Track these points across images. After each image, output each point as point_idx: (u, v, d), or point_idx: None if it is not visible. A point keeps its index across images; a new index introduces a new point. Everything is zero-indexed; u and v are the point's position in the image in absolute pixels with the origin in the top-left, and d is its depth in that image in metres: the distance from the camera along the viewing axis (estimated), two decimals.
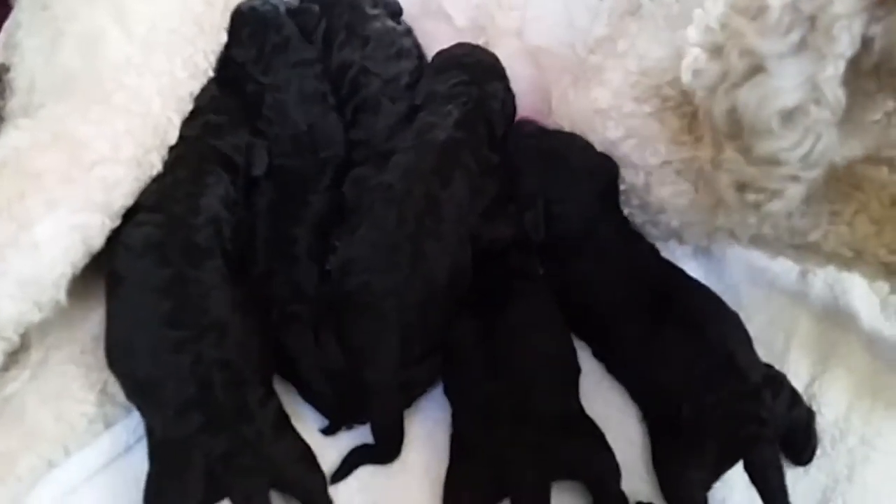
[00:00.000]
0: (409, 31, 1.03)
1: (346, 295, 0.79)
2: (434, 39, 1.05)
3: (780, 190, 0.70)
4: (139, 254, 0.78)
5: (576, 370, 0.78)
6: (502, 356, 0.76)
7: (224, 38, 0.97)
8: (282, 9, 1.01)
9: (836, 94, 0.65)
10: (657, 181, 0.86)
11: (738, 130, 0.69)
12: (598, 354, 0.82)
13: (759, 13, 0.66)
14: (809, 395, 0.82)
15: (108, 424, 0.79)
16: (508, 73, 0.99)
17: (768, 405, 0.73)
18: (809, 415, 0.77)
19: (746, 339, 0.77)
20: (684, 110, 0.84)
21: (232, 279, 0.79)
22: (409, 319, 0.76)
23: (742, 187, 0.72)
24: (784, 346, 0.86)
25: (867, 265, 0.83)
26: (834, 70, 0.64)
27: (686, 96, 0.82)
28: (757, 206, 0.72)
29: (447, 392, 0.79)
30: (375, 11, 1.02)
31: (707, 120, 0.74)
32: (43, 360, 0.78)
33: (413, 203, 0.81)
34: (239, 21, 0.98)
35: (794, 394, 0.76)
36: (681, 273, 0.83)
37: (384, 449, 0.76)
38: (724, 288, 0.90)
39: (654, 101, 0.85)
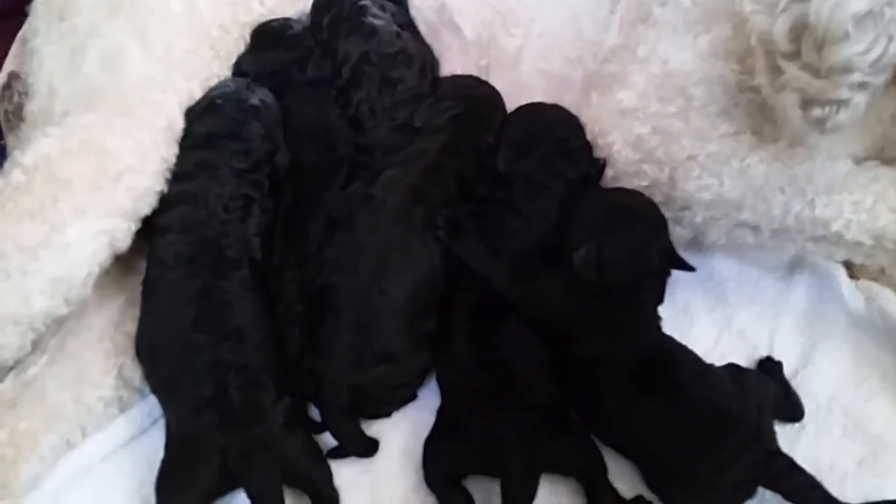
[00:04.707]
0: (413, 41, 1.09)
1: (316, 293, 0.87)
2: (447, 49, 1.12)
3: (847, 100, 0.74)
4: (171, 267, 0.86)
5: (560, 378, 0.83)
6: (497, 356, 0.83)
7: None
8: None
9: None
10: (682, 176, 0.90)
11: (798, 49, 0.74)
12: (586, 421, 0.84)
13: None
14: (793, 386, 0.88)
15: (124, 408, 0.87)
16: (509, 96, 1.05)
17: (769, 435, 0.78)
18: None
19: (730, 385, 0.81)
20: (709, 109, 0.89)
21: (256, 281, 0.87)
22: (365, 324, 0.83)
23: (807, 104, 0.76)
24: (769, 341, 0.92)
25: (886, 253, 0.87)
26: None
27: (711, 95, 0.88)
28: (821, 121, 0.76)
29: (440, 380, 0.86)
30: (382, 14, 1.09)
31: (761, 45, 0.78)
32: (60, 346, 0.87)
33: (386, 213, 0.88)
34: (267, 35, 1.07)
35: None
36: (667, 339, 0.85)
37: (340, 440, 0.83)
38: (712, 286, 0.98)
39: (679, 102, 0.91)
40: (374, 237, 0.86)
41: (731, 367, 0.84)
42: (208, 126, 0.95)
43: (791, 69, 0.75)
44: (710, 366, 0.82)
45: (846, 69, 0.72)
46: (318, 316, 0.85)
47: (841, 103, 0.74)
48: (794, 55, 0.75)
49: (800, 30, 0.73)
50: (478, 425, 0.79)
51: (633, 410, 0.79)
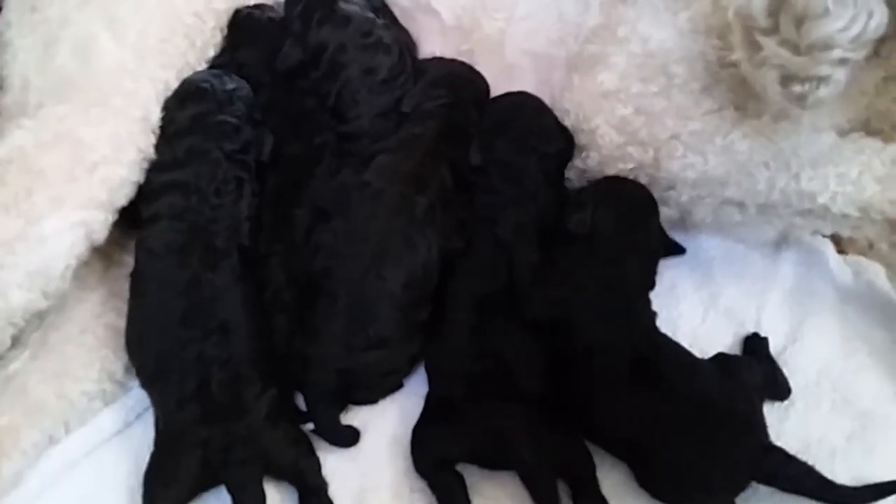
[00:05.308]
0: (388, 27, 1.08)
1: (310, 277, 0.86)
2: (424, 33, 1.11)
3: (827, 76, 0.74)
4: (161, 256, 0.85)
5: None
6: (494, 347, 0.83)
7: (212, 54, 1.04)
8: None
9: None
10: (666, 155, 0.91)
11: (776, 24, 0.74)
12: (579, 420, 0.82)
13: None
14: (781, 362, 0.88)
15: (107, 402, 0.87)
16: (497, 79, 1.06)
17: (761, 428, 0.77)
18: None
19: (719, 379, 0.80)
20: (691, 87, 0.89)
21: (245, 270, 0.87)
22: (360, 309, 0.83)
23: (787, 81, 0.76)
24: (756, 318, 0.92)
25: (873, 224, 0.87)
26: None
27: (692, 72, 0.88)
28: (802, 98, 0.76)
29: (429, 367, 0.86)
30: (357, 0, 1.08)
31: (738, 20, 0.78)
32: (42, 340, 0.86)
33: (386, 201, 0.87)
34: (242, 26, 1.06)
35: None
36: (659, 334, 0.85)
37: (319, 427, 0.82)
38: (698, 263, 0.98)
39: (660, 80, 0.91)
40: (373, 225, 0.86)
41: (720, 358, 0.83)
42: (194, 110, 0.94)
43: (770, 45, 0.75)
44: (699, 360, 0.82)
45: (826, 46, 0.72)
46: (310, 300, 0.85)
47: (821, 80, 0.74)
48: (773, 30, 0.74)
49: (778, 5, 0.73)
50: (471, 412, 0.78)
51: (624, 405, 0.79)
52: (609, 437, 0.80)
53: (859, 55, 0.73)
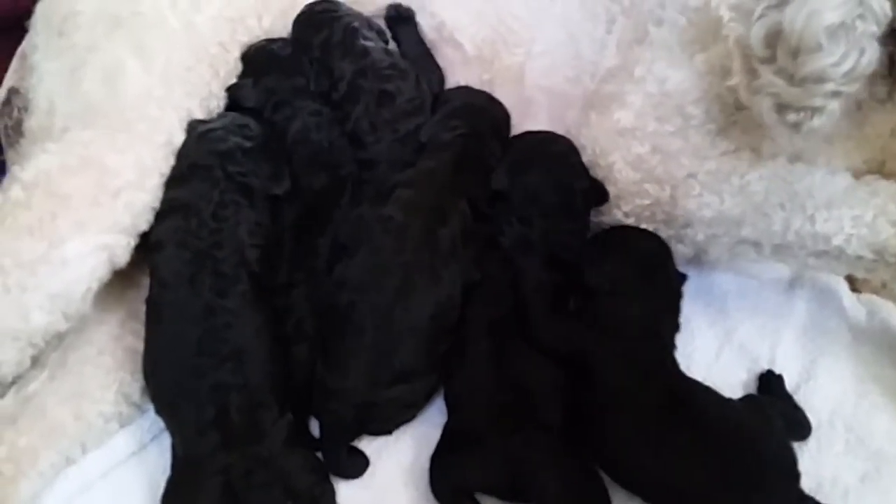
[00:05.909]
0: (403, 55, 1.10)
1: (334, 309, 0.87)
2: (448, 63, 1.13)
3: (821, 107, 0.76)
4: (172, 287, 0.86)
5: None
6: (514, 373, 0.83)
7: None
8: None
9: (882, 6, 0.73)
10: (683, 194, 0.92)
11: (773, 54, 0.76)
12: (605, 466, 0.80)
13: None
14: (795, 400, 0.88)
15: (124, 423, 0.88)
16: (514, 110, 1.07)
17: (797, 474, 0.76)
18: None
19: (755, 420, 0.80)
20: (708, 127, 0.91)
21: (258, 296, 0.87)
22: (387, 343, 0.83)
23: (782, 109, 0.78)
24: (770, 355, 0.92)
25: (888, 266, 0.87)
26: None
27: (709, 113, 0.90)
28: (797, 125, 0.78)
29: (448, 396, 0.86)
30: (370, 34, 1.10)
31: (738, 48, 0.80)
32: (61, 361, 0.87)
33: (411, 235, 0.88)
34: (265, 56, 1.07)
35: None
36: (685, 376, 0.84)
37: (327, 458, 0.82)
38: (712, 299, 0.98)
39: (676, 120, 0.92)
40: (398, 259, 0.86)
41: (750, 399, 0.84)
42: (206, 127, 0.95)
43: (766, 73, 0.77)
44: (733, 401, 0.81)
45: (820, 79, 0.74)
46: (334, 332, 0.85)
47: (815, 110, 0.76)
48: (770, 60, 0.76)
49: (775, 37, 0.75)
50: (493, 441, 0.78)
51: (657, 447, 0.77)
52: (639, 478, 0.78)
53: (852, 88, 0.75)
